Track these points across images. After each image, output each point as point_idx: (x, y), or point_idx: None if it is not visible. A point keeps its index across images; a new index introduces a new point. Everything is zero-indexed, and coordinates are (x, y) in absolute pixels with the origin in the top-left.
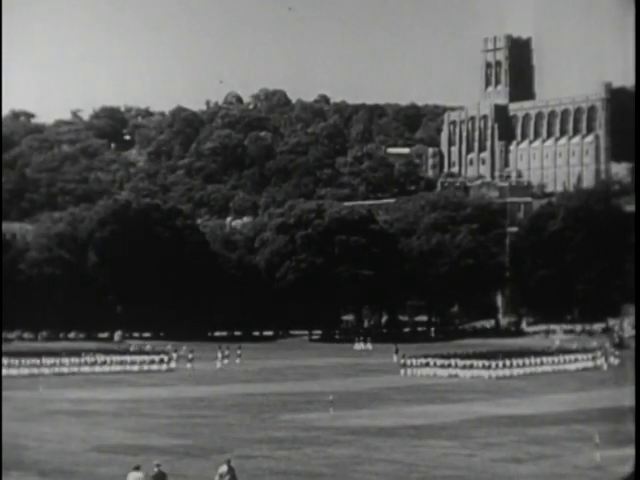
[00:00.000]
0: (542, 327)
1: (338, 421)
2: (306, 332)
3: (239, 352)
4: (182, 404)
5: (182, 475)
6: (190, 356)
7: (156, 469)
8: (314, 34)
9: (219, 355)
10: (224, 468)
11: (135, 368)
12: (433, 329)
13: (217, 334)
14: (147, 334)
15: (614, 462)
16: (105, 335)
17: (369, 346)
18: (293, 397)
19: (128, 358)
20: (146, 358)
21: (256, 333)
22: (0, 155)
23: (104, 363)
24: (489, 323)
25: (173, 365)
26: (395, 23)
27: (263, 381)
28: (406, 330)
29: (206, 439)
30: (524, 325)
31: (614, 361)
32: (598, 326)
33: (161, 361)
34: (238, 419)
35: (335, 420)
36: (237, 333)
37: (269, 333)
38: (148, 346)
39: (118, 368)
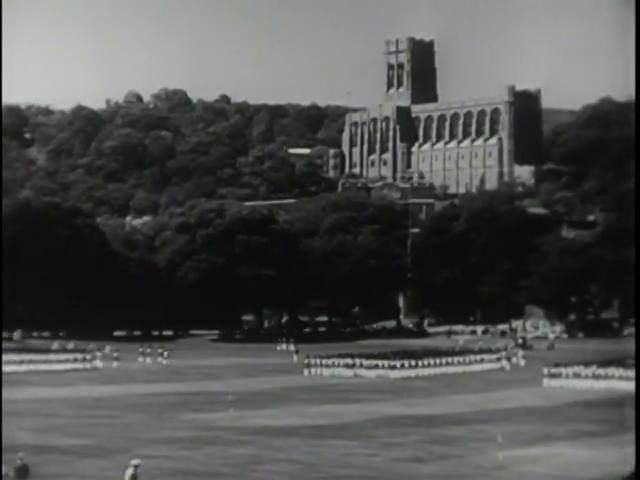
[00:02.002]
0: (445, 328)
1: (239, 421)
2: (206, 332)
3: (161, 351)
4: (83, 404)
5: (82, 475)
6: (115, 355)
7: (19, 462)
8: (215, 34)
9: (141, 352)
10: (130, 471)
11: (60, 367)
12: (336, 329)
13: (117, 333)
14: (46, 333)
15: (518, 462)
16: (5, 335)
17: (292, 347)
18: (193, 397)
19: (53, 357)
20: (70, 357)
21: (156, 333)
22: (0, 155)
23: (21, 362)
24: (391, 324)
25: (99, 364)
26: (297, 23)
27: (163, 381)
28: (307, 330)
29: (106, 439)
30: (426, 326)
31: (520, 362)
32: (501, 327)
33: (84, 360)
34: (138, 419)
35: (236, 420)
36: (137, 333)
37: (169, 333)
38: (70, 345)
39: (29, 368)
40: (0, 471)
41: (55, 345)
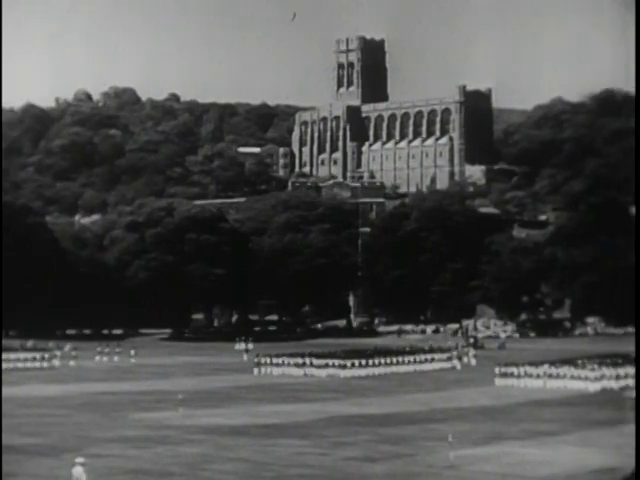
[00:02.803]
0: (395, 327)
1: (189, 420)
2: (156, 331)
3: (118, 350)
4: (33, 403)
5: (32, 474)
6: (74, 353)
7: None
8: (165, 32)
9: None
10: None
11: (19, 365)
12: (287, 328)
13: (67, 332)
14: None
15: (469, 461)
16: None
17: (250, 346)
18: (143, 396)
19: (12, 356)
20: (28, 355)
21: (105, 331)
22: (0, 153)
23: None
24: (341, 323)
25: (57, 363)
26: (247, 21)
27: (114, 380)
28: (257, 329)
29: (56, 438)
30: (377, 325)
31: (471, 361)
32: (453, 326)
33: (42, 359)
34: (88, 418)
35: (186, 419)
36: (86, 331)
37: (119, 332)
38: (30, 343)
39: None
40: (0, 471)
41: (16, 344)
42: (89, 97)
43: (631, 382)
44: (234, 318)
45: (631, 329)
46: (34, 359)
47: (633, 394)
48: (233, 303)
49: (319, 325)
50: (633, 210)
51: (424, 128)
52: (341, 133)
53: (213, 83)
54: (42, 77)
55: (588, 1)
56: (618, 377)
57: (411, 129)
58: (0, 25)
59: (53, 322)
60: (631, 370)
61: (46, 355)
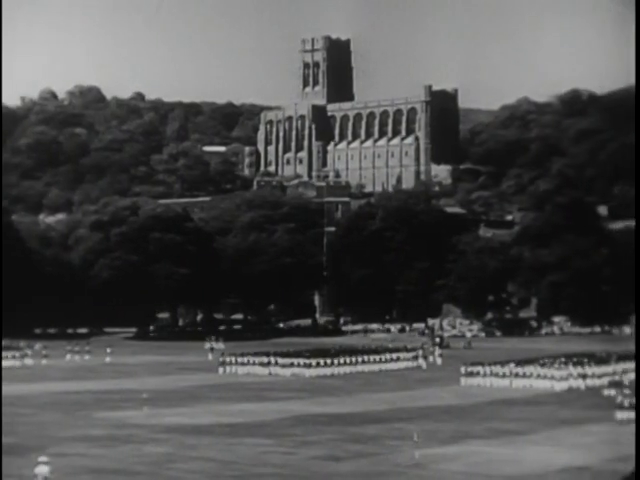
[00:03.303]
0: (361, 326)
1: (153, 419)
2: (121, 330)
3: (88, 348)
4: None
5: None
6: (45, 352)
7: None
8: (130, 31)
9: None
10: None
11: None
12: (252, 327)
13: (34, 331)
14: None
15: (435, 460)
16: None
17: (221, 345)
18: (108, 395)
19: None
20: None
21: (70, 331)
22: (0, 152)
23: None
24: (306, 322)
25: (29, 362)
26: (213, 21)
27: (78, 379)
28: (222, 328)
29: (21, 437)
30: (342, 324)
31: (437, 360)
32: (418, 326)
33: (13, 357)
34: (54, 417)
35: (150, 418)
36: (51, 330)
37: (83, 331)
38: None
39: None
40: (0, 469)
41: None
42: (54, 96)
43: (599, 381)
44: (199, 317)
45: (597, 328)
46: (6, 358)
47: (612, 392)
48: (198, 302)
49: (284, 324)
50: (600, 209)
51: (390, 127)
52: (307, 132)
53: (178, 82)
54: (7, 76)
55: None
56: (585, 376)
57: (377, 128)
58: None
59: (20, 321)
60: (598, 369)
61: (17, 354)
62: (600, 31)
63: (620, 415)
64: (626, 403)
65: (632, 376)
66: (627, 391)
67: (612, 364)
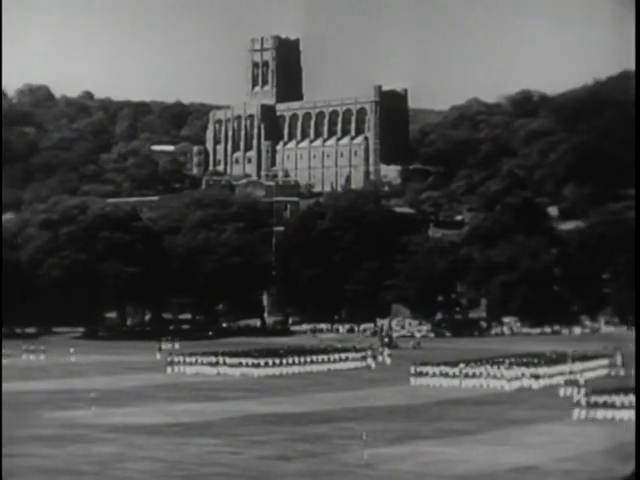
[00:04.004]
0: (309, 326)
1: (102, 419)
2: (69, 329)
3: (43, 348)
4: None
5: None
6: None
7: None
8: (79, 29)
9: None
10: None
11: None
12: (200, 327)
13: None
14: None
15: (384, 460)
16: None
17: (177, 345)
18: (56, 395)
19: None
20: None
21: (18, 330)
22: (0, 151)
23: None
24: (255, 322)
25: None
26: (163, 20)
27: (26, 379)
28: (170, 328)
29: None
30: (291, 324)
31: (386, 360)
32: (367, 326)
33: None
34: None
35: (99, 418)
36: None
37: (31, 330)
38: None
39: None
40: (0, 469)
41: None
42: (3, 94)
43: (549, 381)
44: (147, 317)
45: (547, 329)
46: None
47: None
48: (146, 301)
49: (233, 324)
50: (550, 210)
51: (339, 127)
52: (255, 132)
53: (127, 81)
54: None
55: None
56: (535, 376)
57: (326, 128)
58: None
59: None
60: (549, 369)
61: None
62: (569, 30)
63: (577, 414)
64: (583, 402)
65: (589, 375)
66: (583, 390)
67: (563, 364)
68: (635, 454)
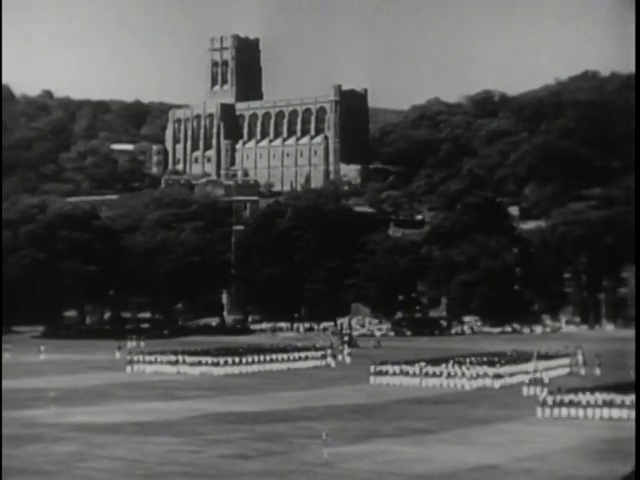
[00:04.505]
0: (269, 325)
1: (61, 418)
2: (29, 328)
3: (8, 347)
4: None
5: None
6: None
7: None
8: (39, 29)
9: None
10: None
11: None
12: (159, 326)
13: None
14: None
15: (344, 459)
16: None
17: (142, 345)
18: (15, 394)
19: None
20: None
21: None
22: (0, 150)
23: None
24: (214, 320)
25: None
26: (122, 19)
27: None
28: (129, 327)
29: None
30: (250, 323)
31: (346, 359)
32: (327, 324)
33: None
34: None
35: (58, 417)
36: None
37: None
38: None
39: None
40: (0, 468)
41: None
42: None
43: (509, 381)
44: (106, 315)
45: (508, 328)
46: None
47: (532, 391)
48: (105, 300)
49: (192, 323)
50: (511, 210)
51: (299, 127)
52: (215, 131)
53: (87, 80)
54: None
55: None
56: (496, 375)
57: (286, 128)
58: None
59: None
60: (509, 368)
61: None
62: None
63: (541, 412)
64: (549, 401)
65: (550, 374)
66: (546, 389)
67: (524, 363)
68: (635, 454)
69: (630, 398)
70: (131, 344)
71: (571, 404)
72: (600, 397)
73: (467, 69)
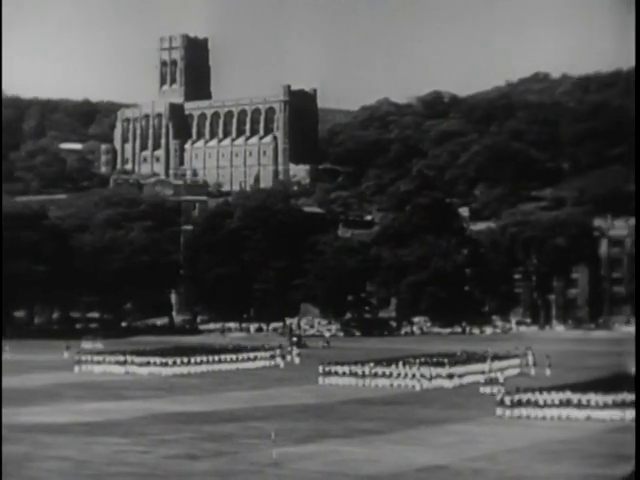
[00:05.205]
0: (218, 325)
1: (9, 418)
2: None
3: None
4: None
5: None
6: None
7: None
8: None
9: None
10: None
11: None
12: (108, 325)
13: None
14: None
15: (292, 459)
16: None
17: (99, 345)
18: None
19: None
20: None
21: None
22: (0, 150)
23: None
24: (163, 320)
25: None
26: (70, 17)
27: None
28: (78, 326)
29: None
30: (199, 323)
31: (294, 360)
32: (276, 325)
33: None
34: None
35: (6, 417)
36: None
37: None
38: None
39: None
40: (0, 465)
41: None
42: None
43: (459, 381)
44: (55, 315)
45: (458, 329)
46: None
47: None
48: (54, 300)
49: (141, 323)
50: (460, 210)
51: (248, 127)
52: (164, 130)
53: (36, 79)
54: None
55: None
56: (449, 376)
57: (235, 127)
58: None
59: None
60: (459, 369)
61: None
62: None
63: (500, 412)
64: (507, 401)
65: (508, 373)
66: (503, 389)
67: (475, 363)
68: (635, 454)
69: (586, 397)
70: (87, 344)
71: (529, 404)
72: (557, 397)
73: (417, 70)
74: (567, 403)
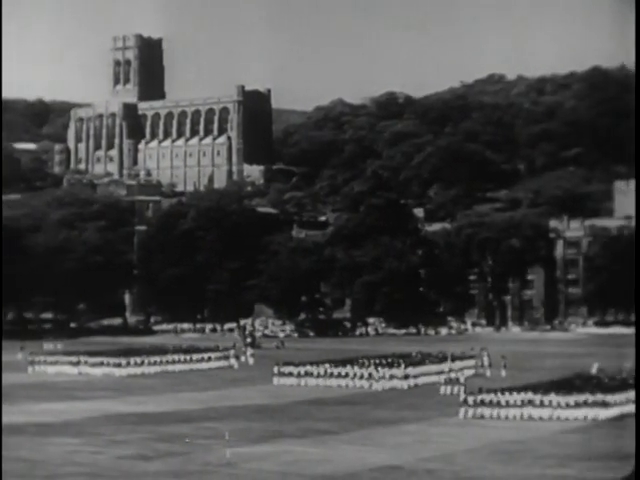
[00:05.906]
0: (171, 326)
1: None
2: None
3: None
4: None
5: None
6: None
7: None
8: None
9: None
10: None
11: None
12: (62, 326)
13: None
14: None
15: (246, 459)
16: None
17: (59, 346)
18: None
19: None
20: None
21: None
22: (0, 149)
23: None
24: (117, 321)
25: None
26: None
27: None
28: (32, 327)
29: None
30: (153, 323)
31: (249, 360)
32: (230, 325)
33: None
34: None
35: None
36: None
37: None
38: None
39: None
40: (0, 466)
41: None
42: None
43: (414, 382)
44: (9, 316)
45: (413, 329)
46: None
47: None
48: (7, 301)
49: (94, 323)
50: (415, 211)
51: (202, 127)
52: (117, 130)
53: None
54: None
55: None
56: (404, 376)
57: (189, 127)
58: None
59: None
60: (415, 370)
61: None
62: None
63: (463, 413)
64: (470, 401)
65: (468, 372)
66: (463, 389)
67: (430, 364)
68: (635, 454)
69: (548, 398)
70: (48, 345)
71: (491, 404)
72: (519, 397)
73: (371, 70)
74: (529, 403)
